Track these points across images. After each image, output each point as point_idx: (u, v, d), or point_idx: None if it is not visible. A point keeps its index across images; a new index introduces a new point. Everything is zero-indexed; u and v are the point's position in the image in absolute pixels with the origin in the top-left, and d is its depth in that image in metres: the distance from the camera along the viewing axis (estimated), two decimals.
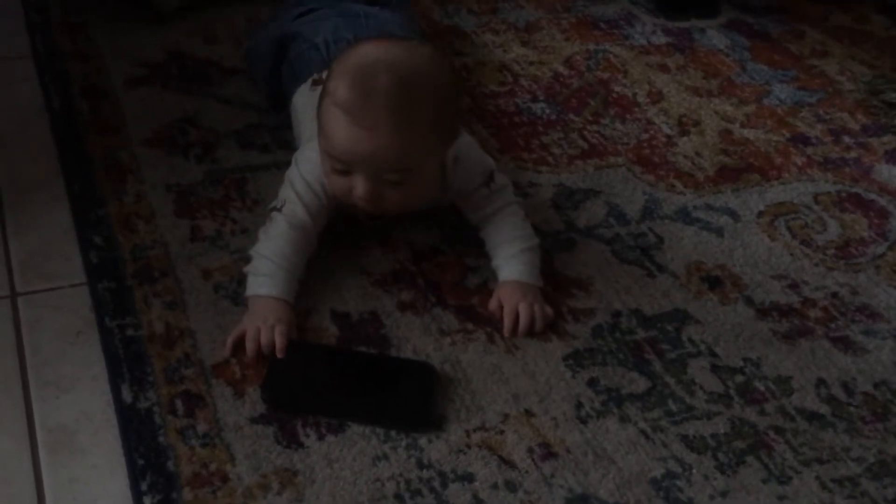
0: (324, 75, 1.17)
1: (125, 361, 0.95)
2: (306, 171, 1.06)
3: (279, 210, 1.05)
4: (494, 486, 0.87)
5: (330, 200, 1.06)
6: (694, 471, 0.91)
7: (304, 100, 1.19)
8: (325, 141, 1.01)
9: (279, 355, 0.96)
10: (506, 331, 1.02)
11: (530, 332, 1.03)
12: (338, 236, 1.11)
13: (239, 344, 0.97)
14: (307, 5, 1.32)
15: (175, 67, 1.42)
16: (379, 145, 0.97)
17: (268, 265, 1.02)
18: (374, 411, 0.93)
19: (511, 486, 0.88)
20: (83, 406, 0.92)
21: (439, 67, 1.03)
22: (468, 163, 1.10)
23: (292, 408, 0.92)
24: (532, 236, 1.11)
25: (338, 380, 0.97)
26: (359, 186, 1.00)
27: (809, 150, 1.39)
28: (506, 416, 0.94)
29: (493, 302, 1.05)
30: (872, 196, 1.30)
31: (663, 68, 1.55)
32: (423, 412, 0.93)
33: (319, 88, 1.16)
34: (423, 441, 0.91)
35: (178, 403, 0.92)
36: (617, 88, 1.49)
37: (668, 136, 1.38)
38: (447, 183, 1.09)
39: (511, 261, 1.07)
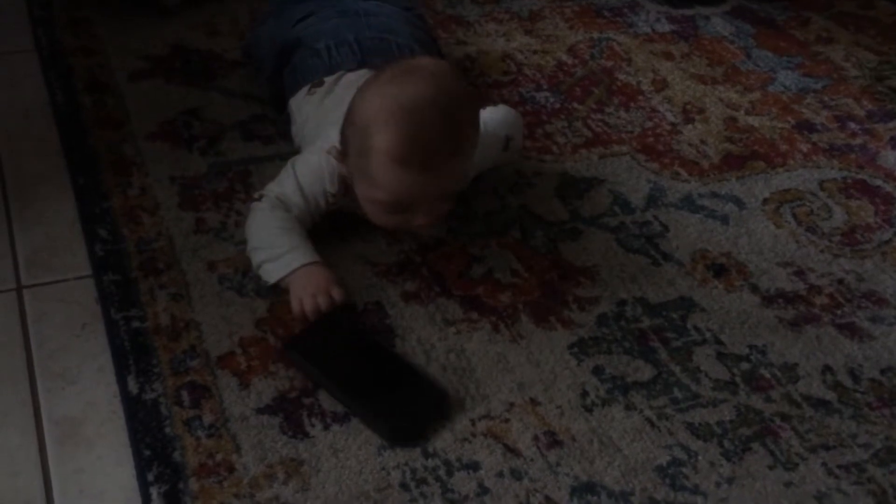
0: (324, 80, 1.17)
1: (131, 353, 0.96)
2: (302, 174, 1.07)
3: (258, 200, 1.07)
4: (500, 475, 0.88)
5: (318, 209, 1.07)
6: (700, 458, 0.90)
7: (298, 105, 1.19)
8: (380, 192, 1.00)
9: (317, 315, 0.99)
10: None
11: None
12: (342, 228, 1.11)
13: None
14: (307, 7, 1.30)
15: (178, 61, 1.42)
16: (445, 180, 1.00)
17: (270, 251, 1.03)
18: (366, 406, 0.92)
19: (516, 474, 0.88)
20: (89, 398, 0.92)
21: (458, 78, 1.03)
22: (483, 144, 1.09)
23: (300, 362, 0.95)
24: None
25: (353, 364, 0.96)
26: (420, 218, 1.03)
27: (815, 137, 1.38)
28: (511, 405, 0.94)
29: None
30: (878, 182, 1.30)
31: (667, 56, 1.55)
32: (407, 429, 0.90)
33: (316, 93, 1.16)
34: (428, 430, 0.91)
35: (184, 394, 0.92)
36: (621, 77, 1.48)
37: (673, 124, 1.38)
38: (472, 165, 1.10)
39: None
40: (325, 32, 1.24)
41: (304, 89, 1.19)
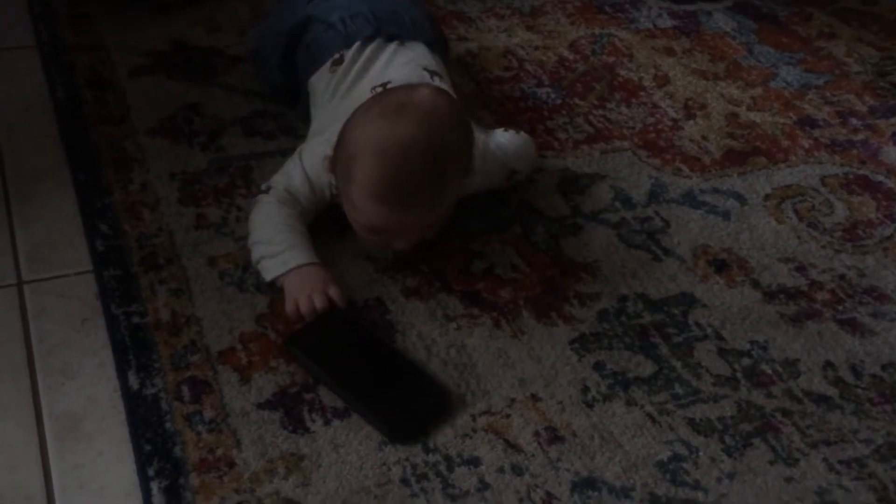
0: (344, 54, 1.17)
1: (131, 348, 0.96)
2: (310, 165, 1.07)
3: (266, 192, 1.07)
4: (500, 470, 0.87)
5: (323, 200, 1.08)
6: (700, 453, 0.90)
7: (323, 83, 1.19)
8: (360, 216, 1.01)
9: (313, 314, 0.99)
10: None
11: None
12: (342, 224, 1.11)
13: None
14: None
15: (179, 56, 1.42)
16: (424, 217, 1.01)
17: (269, 247, 1.03)
18: (367, 404, 0.91)
19: (517, 470, 0.88)
20: (90, 393, 0.92)
21: (453, 115, 1.01)
22: (486, 167, 1.11)
23: (301, 358, 0.94)
24: None
25: (354, 360, 0.96)
26: (399, 244, 1.04)
27: (816, 133, 1.38)
28: (512, 401, 0.94)
29: None
30: (880, 178, 1.30)
31: (669, 52, 1.54)
32: (407, 427, 0.90)
33: (337, 70, 1.16)
34: (428, 429, 0.91)
35: (185, 389, 0.92)
36: (622, 72, 1.48)
37: (674, 120, 1.38)
38: (463, 190, 1.10)
39: None
40: (338, 6, 1.24)
41: (326, 66, 1.19)
